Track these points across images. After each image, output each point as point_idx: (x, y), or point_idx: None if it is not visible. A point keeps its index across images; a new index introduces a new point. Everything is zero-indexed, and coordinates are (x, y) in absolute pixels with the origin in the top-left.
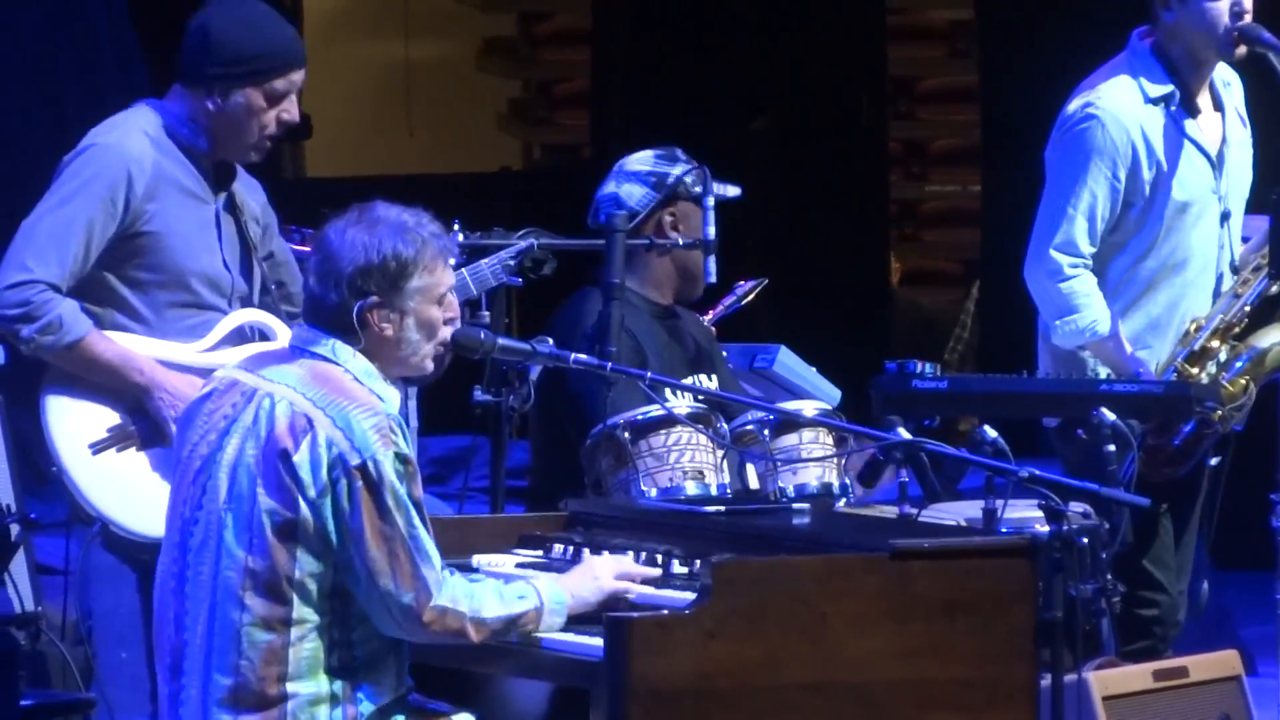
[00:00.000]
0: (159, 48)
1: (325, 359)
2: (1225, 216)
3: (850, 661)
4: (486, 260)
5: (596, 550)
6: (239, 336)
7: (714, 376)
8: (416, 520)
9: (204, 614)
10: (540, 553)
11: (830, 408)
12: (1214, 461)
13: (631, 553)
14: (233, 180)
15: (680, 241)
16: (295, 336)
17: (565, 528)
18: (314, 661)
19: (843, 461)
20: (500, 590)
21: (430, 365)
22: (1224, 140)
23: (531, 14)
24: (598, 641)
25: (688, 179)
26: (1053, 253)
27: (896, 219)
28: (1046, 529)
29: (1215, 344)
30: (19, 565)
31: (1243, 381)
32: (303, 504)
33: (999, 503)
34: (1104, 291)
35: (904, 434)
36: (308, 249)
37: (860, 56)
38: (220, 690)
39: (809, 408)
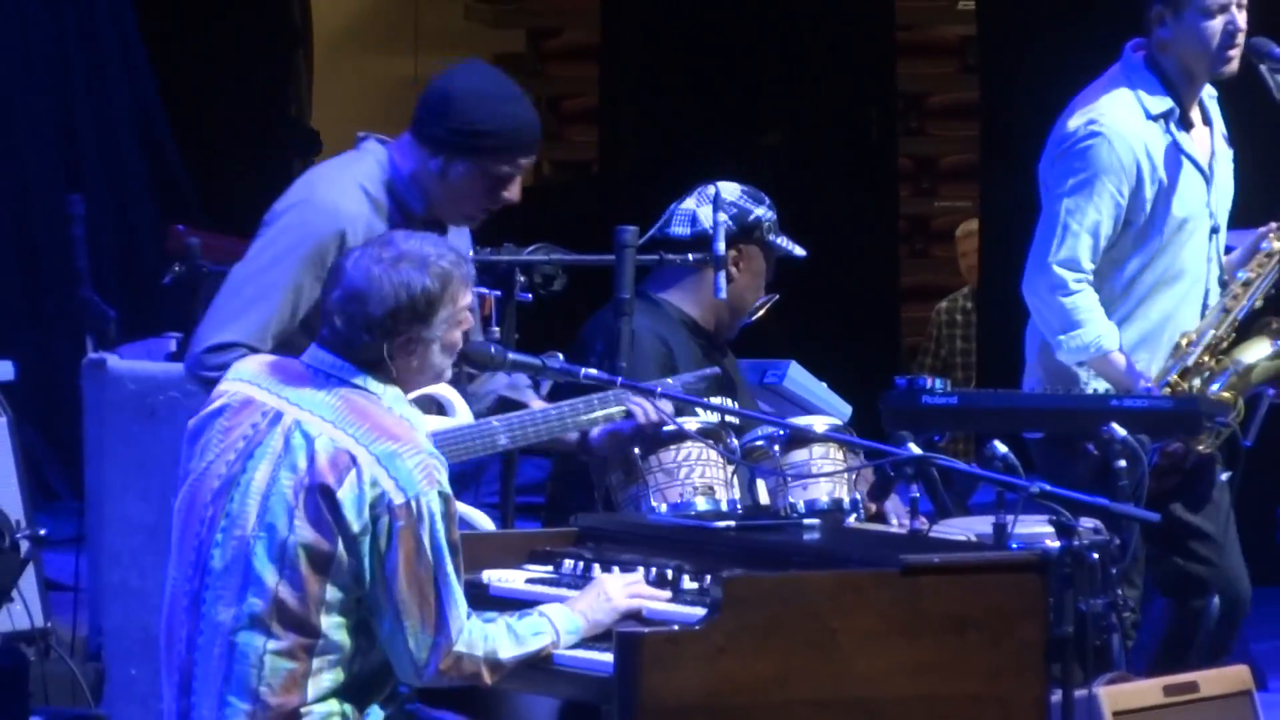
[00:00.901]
0: (167, 59)
1: (358, 389)
2: (1214, 231)
3: (860, 677)
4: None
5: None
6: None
7: (734, 404)
8: (449, 565)
9: (222, 637)
10: (550, 568)
11: (841, 423)
12: (1225, 476)
13: (641, 569)
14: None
15: (690, 258)
16: (318, 360)
17: (575, 543)
18: (330, 687)
19: (853, 477)
20: (514, 628)
21: (448, 377)
22: (1213, 154)
23: (541, 30)
24: (608, 657)
25: (765, 223)
26: (1056, 268)
27: (906, 234)
28: (1057, 544)
29: (1206, 359)
30: (29, 581)
31: (1227, 395)
32: (341, 540)
33: (1010, 518)
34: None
35: (914, 449)
36: None
37: (870, 72)
38: (237, 714)
39: (819, 423)
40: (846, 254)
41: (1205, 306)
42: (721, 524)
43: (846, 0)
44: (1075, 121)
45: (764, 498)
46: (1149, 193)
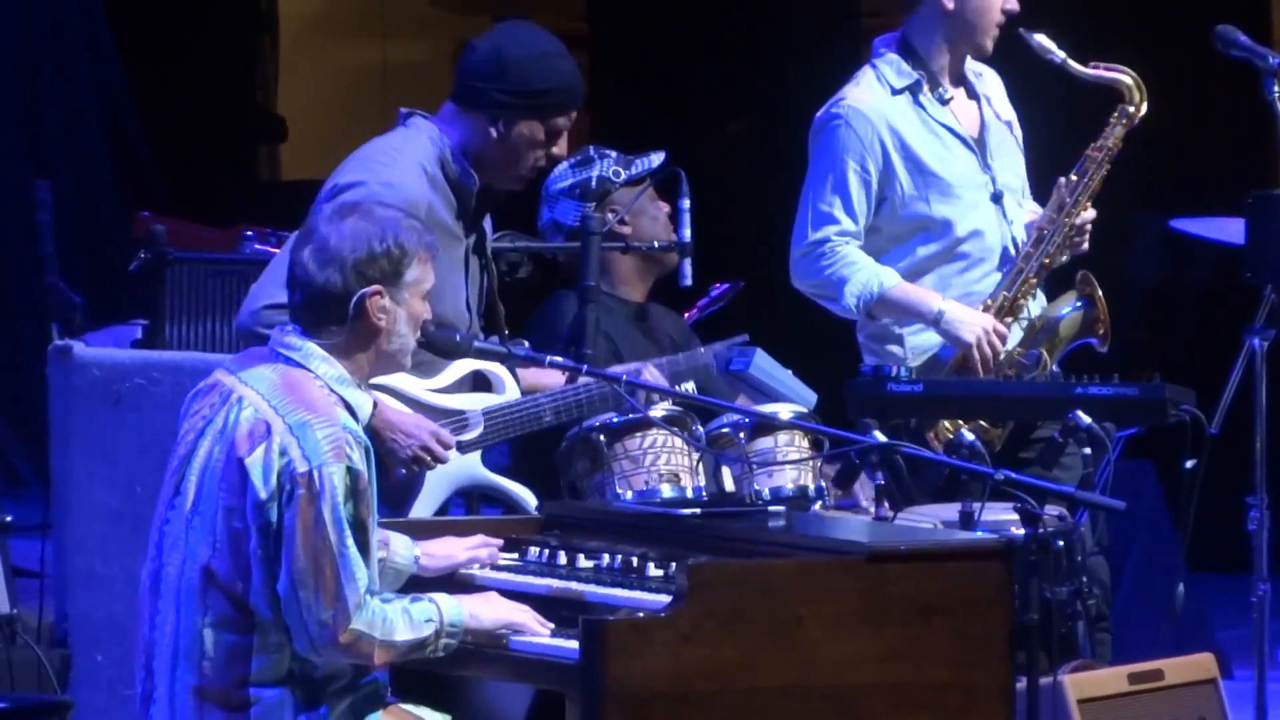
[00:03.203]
0: (133, 44)
1: (298, 364)
2: (997, 197)
3: (826, 664)
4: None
5: (572, 553)
6: (478, 381)
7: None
8: (350, 540)
9: (171, 614)
10: (516, 555)
11: (806, 410)
12: (1189, 464)
13: (608, 556)
14: (486, 214)
15: (656, 244)
16: (273, 339)
17: (541, 530)
18: (277, 665)
19: (818, 464)
20: (410, 612)
21: (409, 363)
22: (983, 125)
23: (508, 17)
24: (573, 644)
25: (608, 173)
26: (811, 244)
27: None
28: (1022, 532)
29: (1006, 318)
30: None
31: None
32: (252, 510)
33: (976, 505)
34: None
35: (879, 437)
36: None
37: (837, 59)
38: (185, 689)
39: (785, 410)
40: None
41: (994, 275)
42: (687, 511)
43: None
44: (820, 113)
45: (729, 485)
46: (898, 162)
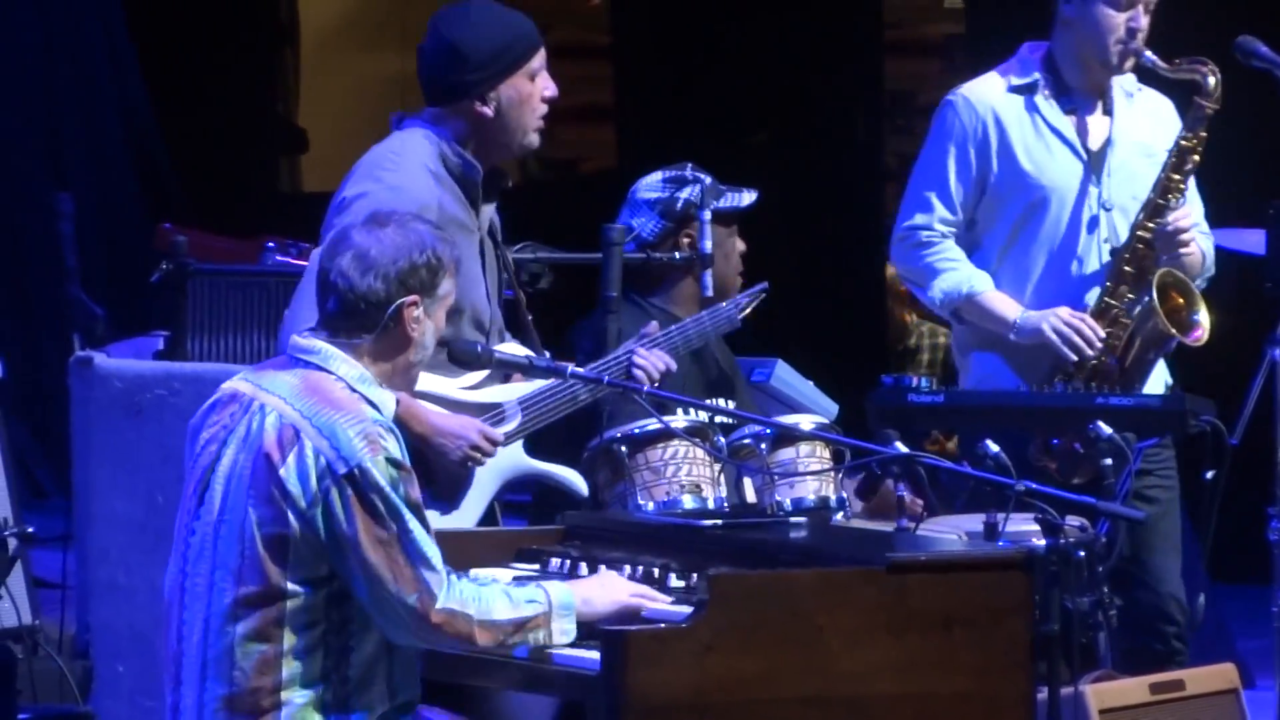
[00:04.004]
0: (155, 58)
1: (317, 367)
2: (1098, 213)
3: (847, 675)
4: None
5: (593, 565)
6: (503, 375)
7: (731, 402)
8: (412, 523)
9: (199, 625)
10: (537, 566)
11: (827, 421)
12: (1210, 475)
13: (629, 567)
14: (495, 198)
15: (678, 255)
16: (291, 344)
17: (562, 541)
18: (308, 670)
19: (839, 475)
20: (509, 593)
21: (414, 385)
22: (1108, 141)
23: None
24: (595, 654)
25: (696, 200)
26: (908, 230)
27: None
28: (1043, 542)
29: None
30: (16, 579)
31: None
32: (292, 516)
33: (1000, 516)
34: None
35: (901, 448)
36: (303, 263)
37: (857, 70)
38: (215, 700)
39: (806, 421)
40: (833, 252)
41: (1083, 286)
42: (708, 522)
43: None
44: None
45: (750, 496)
46: (995, 153)
